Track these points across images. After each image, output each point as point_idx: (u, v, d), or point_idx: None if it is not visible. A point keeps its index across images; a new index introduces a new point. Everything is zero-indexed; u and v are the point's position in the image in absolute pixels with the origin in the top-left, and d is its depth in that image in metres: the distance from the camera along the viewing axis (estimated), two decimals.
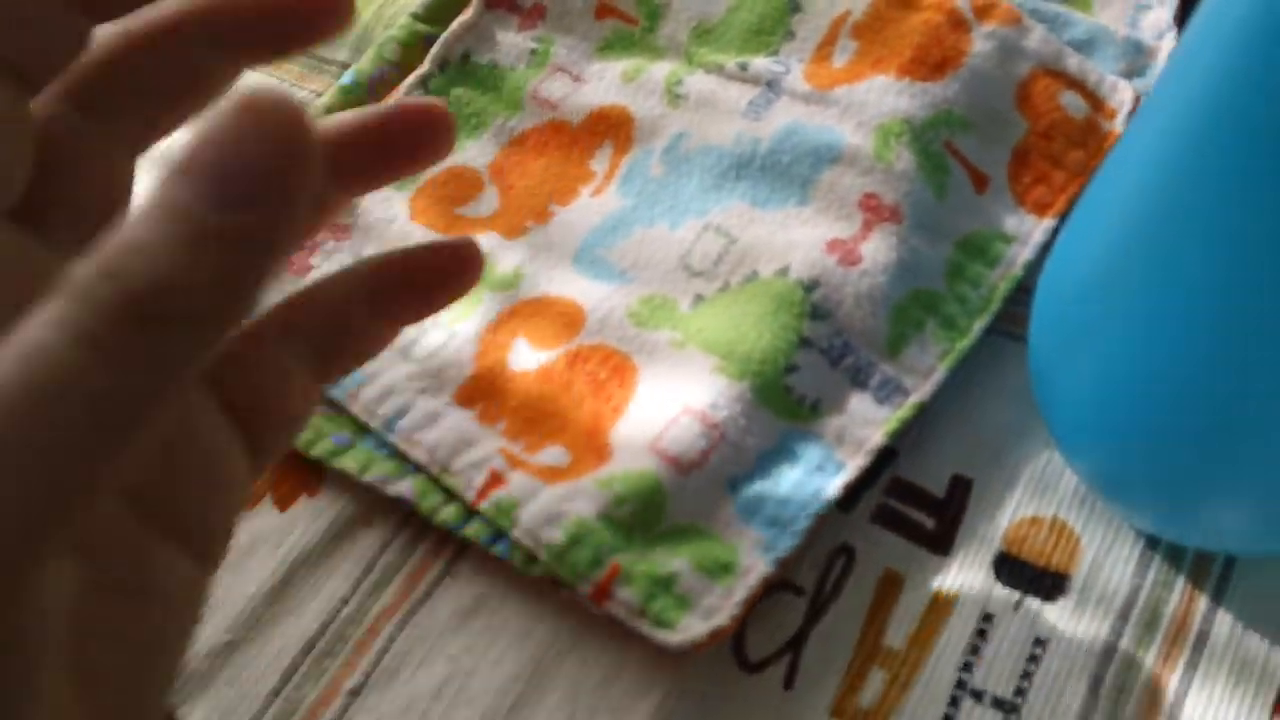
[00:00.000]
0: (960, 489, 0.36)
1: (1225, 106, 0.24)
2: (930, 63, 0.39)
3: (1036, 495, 0.36)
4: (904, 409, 0.36)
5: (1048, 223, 0.39)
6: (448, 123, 0.23)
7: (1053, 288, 0.32)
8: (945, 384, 0.37)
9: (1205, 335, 0.27)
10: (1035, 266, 0.37)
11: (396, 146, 0.23)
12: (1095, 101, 0.40)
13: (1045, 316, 0.32)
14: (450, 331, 0.39)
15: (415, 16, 0.47)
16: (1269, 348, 0.26)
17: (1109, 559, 0.34)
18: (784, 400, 0.36)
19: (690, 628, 0.32)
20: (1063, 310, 0.31)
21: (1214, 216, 0.26)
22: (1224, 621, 0.33)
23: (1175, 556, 0.34)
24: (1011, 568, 0.35)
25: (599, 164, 0.43)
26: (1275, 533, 0.31)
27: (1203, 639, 0.33)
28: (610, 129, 0.43)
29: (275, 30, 0.21)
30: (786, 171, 0.39)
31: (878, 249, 0.37)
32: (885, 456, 0.37)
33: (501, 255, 0.41)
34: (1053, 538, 0.35)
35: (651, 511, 0.34)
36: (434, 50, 0.45)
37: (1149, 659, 0.32)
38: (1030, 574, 0.34)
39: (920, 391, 0.36)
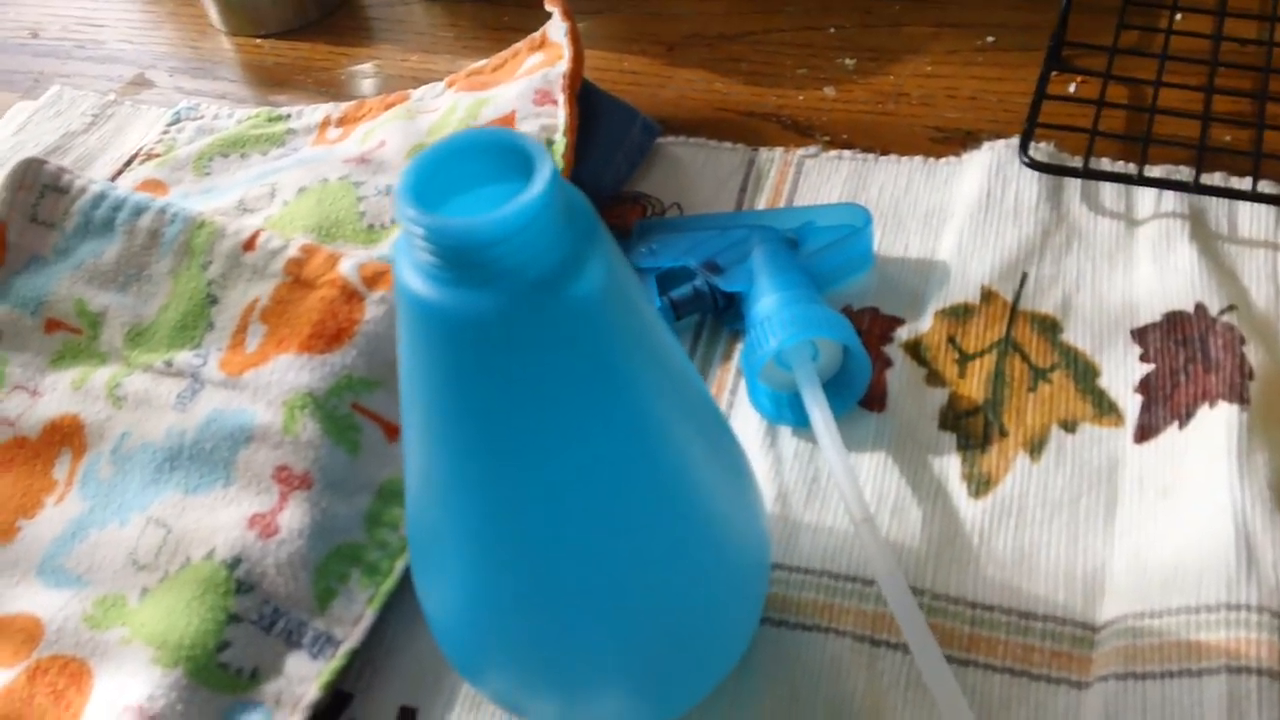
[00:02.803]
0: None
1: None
2: (327, 335, 0.43)
3: (473, 710, 0.39)
4: (336, 659, 0.38)
5: None
6: None
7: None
8: (390, 622, 0.40)
9: (476, 567, 0.31)
10: None
11: None
12: None
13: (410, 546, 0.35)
14: None
15: None
16: (521, 585, 0.30)
17: None
18: (221, 677, 0.38)
19: None
20: (411, 538, 0.34)
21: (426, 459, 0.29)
22: None
23: None
24: None
25: (60, 472, 0.45)
26: (630, 713, 0.35)
27: None
28: (65, 437, 0.45)
29: None
30: (210, 457, 0.42)
31: (294, 516, 0.40)
32: (341, 703, 0.39)
33: None
34: None
35: None
36: None
37: None
38: None
39: (351, 639, 0.39)
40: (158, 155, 0.58)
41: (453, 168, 0.26)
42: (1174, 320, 0.42)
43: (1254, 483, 0.36)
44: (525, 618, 0.32)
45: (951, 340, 0.44)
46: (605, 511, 0.29)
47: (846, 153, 0.52)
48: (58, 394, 0.46)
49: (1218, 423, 0.38)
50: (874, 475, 0.41)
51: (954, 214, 0.48)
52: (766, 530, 0.36)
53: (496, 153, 0.26)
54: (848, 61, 0.58)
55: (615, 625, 0.32)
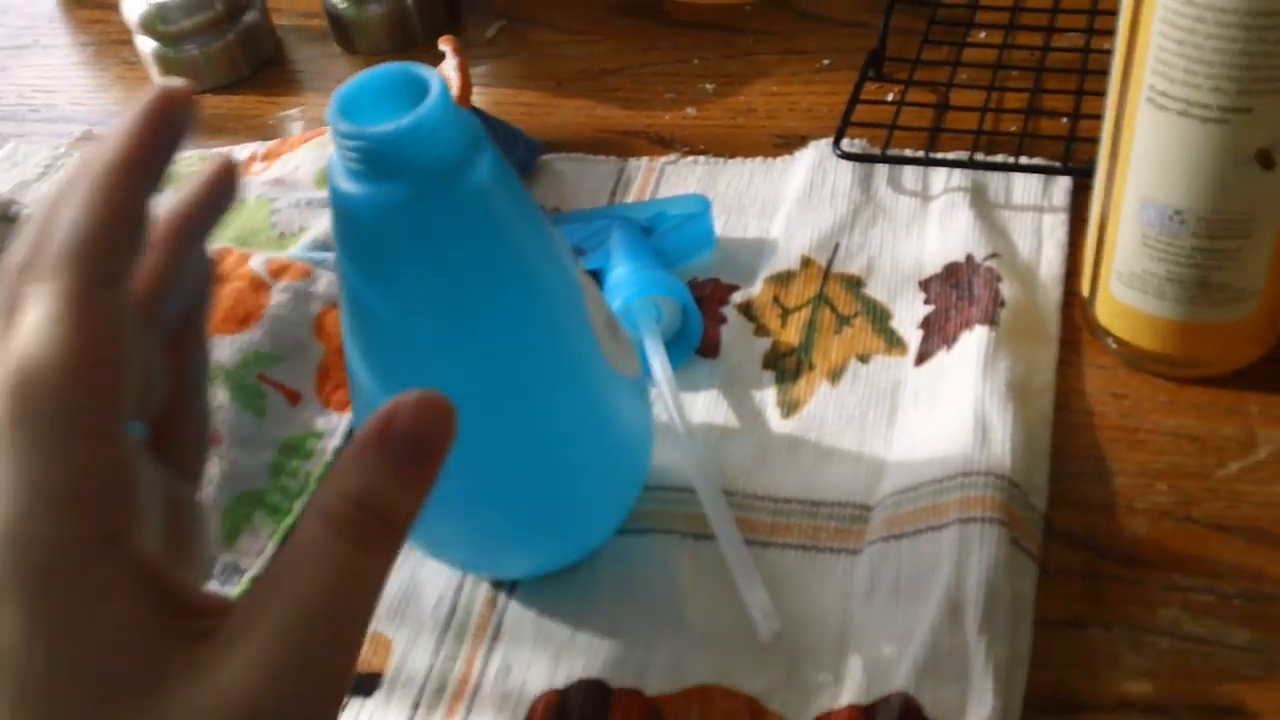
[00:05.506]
0: None
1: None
2: (237, 319, 0.51)
3: None
4: (241, 584, 0.45)
5: (349, 415, 0.50)
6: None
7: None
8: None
9: None
10: (341, 450, 0.48)
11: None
12: None
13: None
14: None
15: None
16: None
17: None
18: None
19: None
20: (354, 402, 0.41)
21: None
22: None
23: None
24: None
25: None
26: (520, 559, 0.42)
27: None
28: None
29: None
30: None
31: (207, 466, 0.47)
32: None
33: None
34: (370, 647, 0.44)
35: None
36: None
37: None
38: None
39: (254, 567, 0.46)
40: None
41: (366, 101, 0.34)
42: (950, 270, 0.50)
43: (994, 382, 0.43)
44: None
45: (776, 299, 0.52)
46: (505, 364, 0.37)
47: (701, 158, 0.60)
48: None
49: (973, 342, 0.45)
50: (706, 408, 0.48)
51: (785, 201, 0.56)
52: (651, 422, 0.43)
53: (398, 83, 0.34)
54: (708, 86, 0.66)
55: (514, 468, 0.39)
